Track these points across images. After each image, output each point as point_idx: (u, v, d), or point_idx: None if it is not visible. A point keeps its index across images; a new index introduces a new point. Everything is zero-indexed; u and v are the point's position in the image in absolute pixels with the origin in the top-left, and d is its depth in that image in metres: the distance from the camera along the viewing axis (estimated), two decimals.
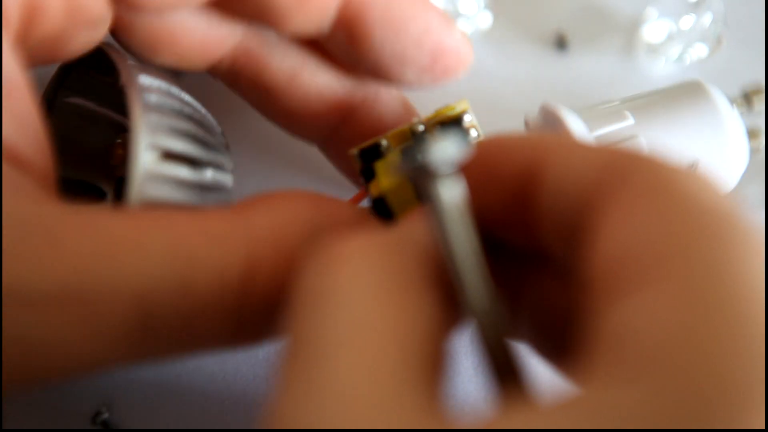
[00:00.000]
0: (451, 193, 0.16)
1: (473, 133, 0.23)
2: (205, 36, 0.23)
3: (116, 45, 0.23)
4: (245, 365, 0.27)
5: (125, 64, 0.21)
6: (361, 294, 0.15)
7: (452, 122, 0.23)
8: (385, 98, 0.25)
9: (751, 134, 0.27)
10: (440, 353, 0.16)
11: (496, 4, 0.34)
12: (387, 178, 0.22)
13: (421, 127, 0.23)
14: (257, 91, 0.25)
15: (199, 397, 0.26)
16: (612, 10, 0.35)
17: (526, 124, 0.26)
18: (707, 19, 0.31)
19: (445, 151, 0.16)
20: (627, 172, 0.16)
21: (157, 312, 0.17)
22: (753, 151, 0.27)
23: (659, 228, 0.15)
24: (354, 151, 0.23)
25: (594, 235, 0.15)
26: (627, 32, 0.34)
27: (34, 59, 0.20)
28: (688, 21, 0.32)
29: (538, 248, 0.18)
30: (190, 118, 0.22)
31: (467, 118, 0.23)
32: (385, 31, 0.22)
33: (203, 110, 0.23)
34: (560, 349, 0.19)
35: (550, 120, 0.24)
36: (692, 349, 0.13)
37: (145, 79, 0.21)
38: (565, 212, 0.17)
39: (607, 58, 0.34)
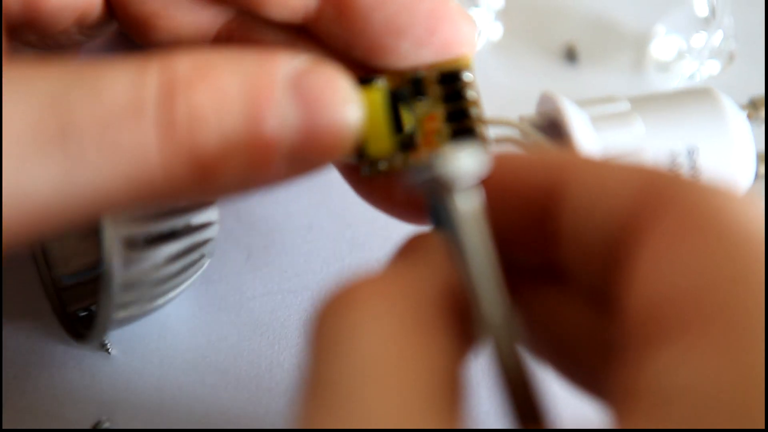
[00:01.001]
0: (468, 206, 0.16)
1: (471, 94, 0.22)
2: (199, 9, 0.23)
3: None
4: (247, 376, 0.27)
5: None
6: (381, 335, 0.15)
7: (451, 76, 0.22)
8: None
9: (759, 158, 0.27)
10: (460, 383, 0.15)
11: (507, 17, 0.33)
12: (366, 95, 0.22)
13: (421, 73, 0.22)
14: None
15: (201, 407, 0.26)
16: (622, 25, 0.35)
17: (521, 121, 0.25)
18: (718, 36, 0.31)
19: (461, 163, 0.16)
20: (665, 197, 0.15)
21: (73, 120, 0.17)
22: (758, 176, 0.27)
23: (704, 268, 0.14)
24: None
25: (631, 269, 0.15)
26: (637, 48, 0.34)
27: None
28: (699, 39, 0.32)
29: (559, 269, 0.18)
30: None
31: (468, 76, 0.22)
32: None
33: None
34: (577, 367, 0.18)
35: (548, 110, 0.24)
36: (740, 414, 0.12)
37: None
38: (594, 237, 0.16)
39: (617, 73, 0.33)
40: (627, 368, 0.14)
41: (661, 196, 0.15)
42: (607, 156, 0.17)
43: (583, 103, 0.25)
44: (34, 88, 0.17)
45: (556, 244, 0.17)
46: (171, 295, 0.24)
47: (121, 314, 0.23)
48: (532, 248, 0.18)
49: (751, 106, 0.28)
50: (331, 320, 0.15)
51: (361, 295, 0.16)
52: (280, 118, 0.18)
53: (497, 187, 0.18)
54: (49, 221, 0.17)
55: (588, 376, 0.18)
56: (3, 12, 0.20)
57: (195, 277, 0.25)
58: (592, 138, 0.24)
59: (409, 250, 0.18)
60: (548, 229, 0.17)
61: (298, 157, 0.18)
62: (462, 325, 0.16)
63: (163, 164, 0.17)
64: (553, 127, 0.25)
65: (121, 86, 0.17)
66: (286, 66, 0.18)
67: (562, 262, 0.17)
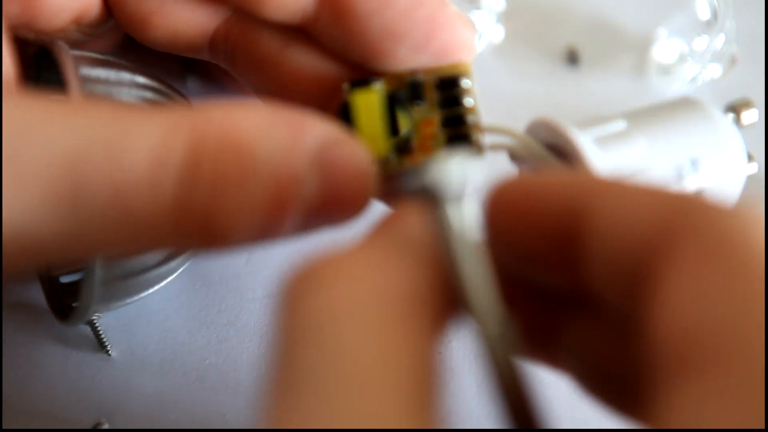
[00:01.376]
0: (458, 214, 0.16)
1: (468, 101, 0.22)
2: (196, 8, 0.24)
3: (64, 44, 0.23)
4: (248, 379, 0.27)
5: (67, 57, 0.21)
6: (361, 324, 0.14)
7: (450, 81, 0.22)
8: None
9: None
10: (438, 377, 0.15)
11: (508, 19, 0.33)
12: (364, 97, 0.22)
13: (420, 77, 0.22)
14: (252, 64, 0.25)
15: (200, 409, 0.26)
16: (624, 28, 0.35)
17: (512, 156, 0.25)
18: (720, 39, 0.31)
19: (451, 172, 0.16)
20: (691, 223, 0.15)
21: (88, 182, 0.16)
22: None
23: (727, 302, 0.13)
24: (346, 84, 0.23)
25: (655, 298, 0.14)
26: (639, 51, 0.34)
27: None
28: (701, 42, 0.32)
29: (584, 292, 0.17)
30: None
31: (466, 83, 0.22)
32: (371, 2, 0.22)
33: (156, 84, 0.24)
34: (605, 387, 0.18)
35: (547, 136, 0.24)
36: None
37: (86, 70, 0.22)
38: (620, 261, 0.16)
39: (618, 76, 0.33)
40: (654, 397, 0.14)
41: (686, 222, 0.15)
42: (623, 177, 0.17)
43: (579, 123, 0.25)
44: (53, 141, 0.16)
45: (583, 269, 0.17)
46: (159, 271, 0.24)
47: (104, 293, 0.23)
48: (560, 272, 0.17)
49: (732, 109, 0.27)
50: (304, 301, 0.14)
51: (337, 274, 0.15)
52: (302, 189, 0.18)
53: (517, 212, 0.17)
54: (46, 259, 0.18)
55: (621, 399, 0.18)
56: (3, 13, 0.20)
57: (184, 263, 0.25)
58: (603, 162, 0.24)
59: (386, 227, 0.17)
60: (574, 253, 0.17)
61: (309, 221, 0.19)
62: (437, 312, 0.16)
63: (173, 226, 0.17)
64: (550, 147, 0.25)
65: (143, 151, 0.17)
66: (314, 135, 0.19)
67: (590, 287, 0.17)
